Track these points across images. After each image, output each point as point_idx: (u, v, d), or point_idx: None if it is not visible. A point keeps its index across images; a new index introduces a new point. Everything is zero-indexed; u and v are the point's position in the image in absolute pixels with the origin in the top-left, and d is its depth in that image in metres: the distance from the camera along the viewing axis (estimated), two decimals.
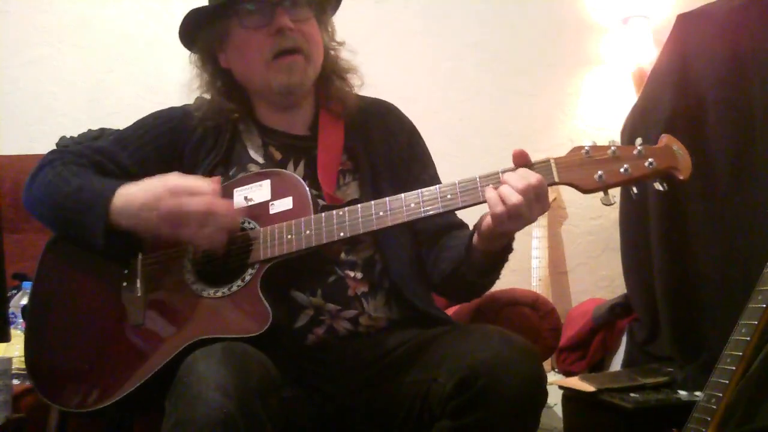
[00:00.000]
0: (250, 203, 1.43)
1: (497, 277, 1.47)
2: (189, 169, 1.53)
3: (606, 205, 1.29)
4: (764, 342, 1.51)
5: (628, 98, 2.76)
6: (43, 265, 1.50)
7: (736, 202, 2.05)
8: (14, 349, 1.61)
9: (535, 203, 1.25)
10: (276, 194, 1.43)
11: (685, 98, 2.15)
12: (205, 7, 1.52)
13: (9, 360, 1.50)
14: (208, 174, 1.51)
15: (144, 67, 2.89)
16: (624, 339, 2.45)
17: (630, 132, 2.35)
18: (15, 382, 1.58)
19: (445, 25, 2.99)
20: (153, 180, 1.38)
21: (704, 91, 2.12)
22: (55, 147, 2.07)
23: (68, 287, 1.48)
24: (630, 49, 2.88)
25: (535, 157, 1.30)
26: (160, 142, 1.55)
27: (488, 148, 2.92)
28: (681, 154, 1.27)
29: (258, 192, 1.44)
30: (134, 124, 1.60)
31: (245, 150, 1.55)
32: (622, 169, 1.26)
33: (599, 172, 1.26)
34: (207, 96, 1.59)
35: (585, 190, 1.27)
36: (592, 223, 2.94)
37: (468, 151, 2.86)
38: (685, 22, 2.20)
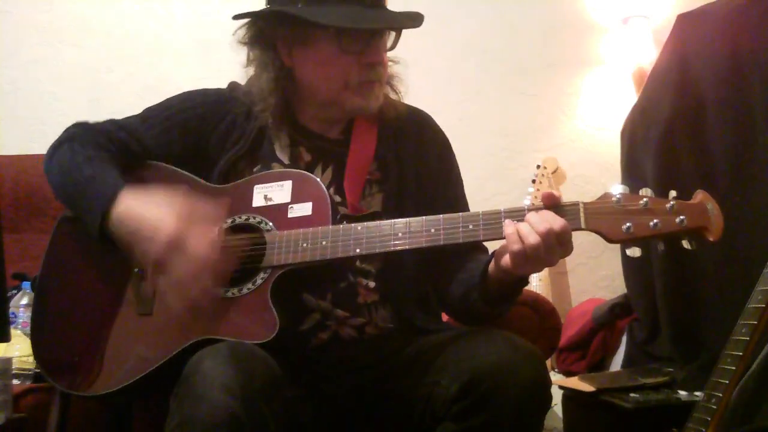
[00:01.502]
0: (269, 203, 1.42)
1: (506, 310, 1.44)
2: (212, 158, 1.51)
3: (631, 257, 1.26)
4: (764, 342, 1.51)
5: (628, 98, 2.76)
6: (53, 246, 1.50)
7: (736, 202, 2.05)
8: (14, 349, 1.61)
9: (557, 247, 1.23)
10: (296, 197, 1.41)
11: (685, 98, 2.15)
12: (303, 17, 1.40)
13: (9, 360, 1.50)
14: (230, 165, 1.49)
15: (144, 67, 2.90)
16: (624, 339, 2.45)
17: (630, 132, 2.35)
18: (15, 382, 1.58)
19: (445, 25, 2.99)
20: (160, 207, 1.31)
21: (704, 91, 2.12)
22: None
23: (78, 268, 1.47)
24: (630, 49, 2.88)
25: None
26: (187, 126, 1.52)
27: (488, 148, 2.93)
28: (714, 214, 1.23)
29: (278, 192, 1.42)
30: (164, 102, 1.56)
31: (272, 148, 1.52)
32: (651, 224, 1.22)
33: (628, 224, 1.23)
34: (242, 83, 1.55)
35: (611, 241, 1.25)
36: None
37: (468, 151, 2.84)
38: (685, 22, 2.20)
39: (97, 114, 2.73)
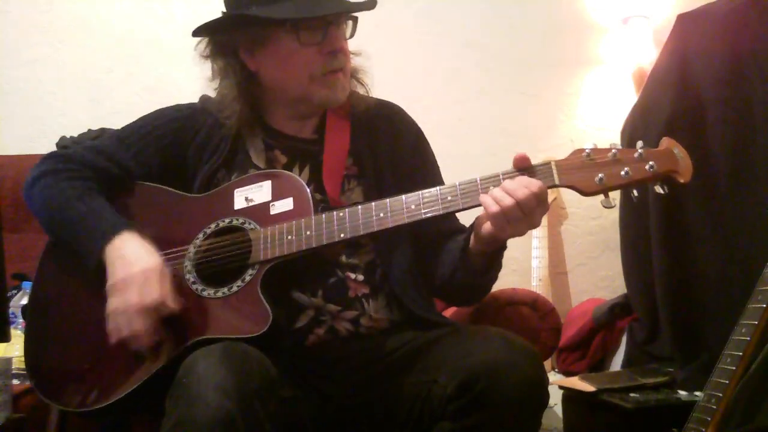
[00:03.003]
0: (250, 204, 1.44)
1: (495, 276, 1.47)
2: (192, 171, 1.53)
3: (606, 207, 1.30)
4: (764, 342, 1.51)
5: (628, 98, 2.76)
6: (44, 265, 1.51)
7: (736, 202, 2.05)
8: (14, 349, 1.61)
9: (536, 208, 1.26)
10: (276, 195, 1.43)
11: (685, 98, 2.15)
12: (258, 16, 1.44)
13: (9, 360, 1.50)
14: (209, 177, 1.51)
15: (144, 67, 2.89)
16: (624, 339, 2.45)
17: (630, 132, 2.35)
18: (15, 382, 1.58)
19: (445, 25, 2.99)
20: (140, 263, 1.34)
21: (704, 91, 2.12)
22: (55, 147, 2.07)
23: (68, 287, 1.48)
24: (630, 49, 2.88)
25: (534, 158, 1.31)
26: (163, 142, 1.54)
27: (488, 148, 2.92)
28: (682, 157, 1.28)
29: (258, 193, 1.44)
30: (138, 121, 1.59)
31: (247, 155, 1.54)
32: (622, 172, 1.26)
33: (600, 175, 1.26)
34: (213, 95, 1.57)
35: (585, 193, 1.28)
36: (592, 223, 2.93)
37: (468, 151, 2.86)
38: (685, 22, 2.20)
39: (97, 114, 2.76)
